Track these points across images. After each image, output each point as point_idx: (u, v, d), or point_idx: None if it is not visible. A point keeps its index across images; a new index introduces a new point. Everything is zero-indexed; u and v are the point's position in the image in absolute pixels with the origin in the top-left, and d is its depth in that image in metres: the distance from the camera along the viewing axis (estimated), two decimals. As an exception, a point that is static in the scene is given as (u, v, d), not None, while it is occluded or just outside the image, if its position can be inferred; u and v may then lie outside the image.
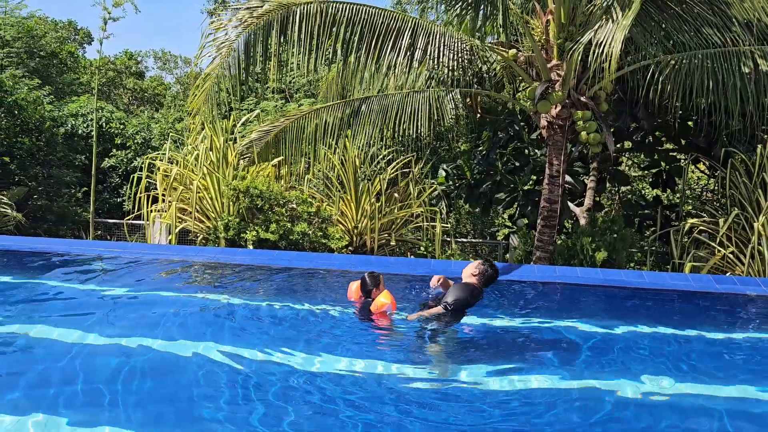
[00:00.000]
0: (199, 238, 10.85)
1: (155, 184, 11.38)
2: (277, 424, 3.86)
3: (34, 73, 18.37)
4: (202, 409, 4.08)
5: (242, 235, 9.84)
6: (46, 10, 56.06)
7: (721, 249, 9.11)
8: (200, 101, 10.24)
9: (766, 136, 9.69)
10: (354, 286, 5.93)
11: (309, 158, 10.50)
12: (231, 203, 10.13)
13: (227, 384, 4.51)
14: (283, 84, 16.75)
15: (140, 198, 11.23)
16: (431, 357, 4.97)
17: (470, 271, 5.66)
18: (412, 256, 11.53)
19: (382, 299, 5.58)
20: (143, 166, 11.46)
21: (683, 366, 5.07)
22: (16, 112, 14.24)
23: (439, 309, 5.38)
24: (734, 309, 7.02)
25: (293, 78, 16.89)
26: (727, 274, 9.20)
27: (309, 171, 11.91)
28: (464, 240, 14.49)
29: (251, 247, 9.73)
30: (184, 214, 10.94)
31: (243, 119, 12.76)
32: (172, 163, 11.48)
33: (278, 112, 13.94)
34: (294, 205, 10.22)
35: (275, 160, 10.66)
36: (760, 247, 8.77)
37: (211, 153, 10.90)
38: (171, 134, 14.71)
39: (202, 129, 11.09)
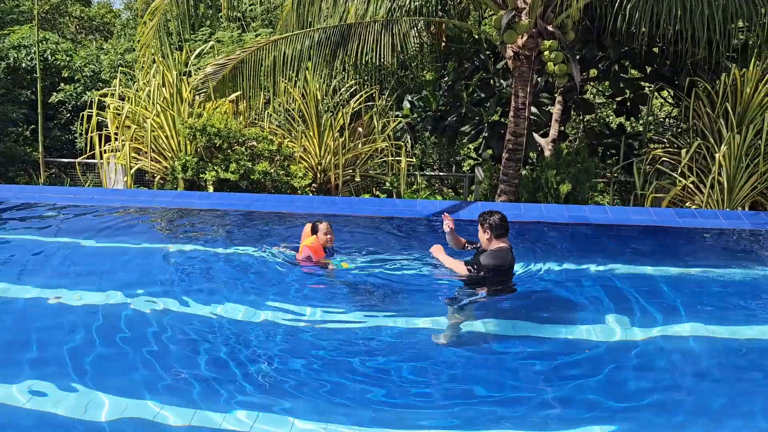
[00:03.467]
0: (156, 179, 10.49)
1: (107, 122, 10.85)
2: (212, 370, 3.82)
3: (-32, 1, 17.05)
4: (151, 362, 4.02)
5: (201, 175, 9.53)
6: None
7: (682, 179, 9.20)
8: (150, 36, 9.65)
9: (731, 64, 9.63)
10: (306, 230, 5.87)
11: (268, 92, 10.08)
12: (188, 142, 9.74)
13: (178, 334, 4.48)
14: (238, 12, 15.87)
15: (92, 137, 10.72)
16: (449, 323, 4.76)
17: (483, 238, 5.06)
18: (378, 192, 11.41)
19: (304, 244, 5.60)
20: (93, 102, 10.85)
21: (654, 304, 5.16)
22: (-50, 45, 13.27)
23: (462, 267, 5.02)
24: (697, 242, 7.15)
25: (250, 5, 16.01)
26: (687, 204, 9.35)
27: (269, 106, 11.47)
28: (430, 174, 14.37)
29: (211, 188, 9.45)
30: (139, 154, 10.51)
31: (197, 51, 12.11)
32: (123, 100, 10.91)
33: (235, 44, 13.25)
34: (254, 143, 9.89)
35: (233, 96, 10.21)
36: (720, 177, 8.87)
37: (164, 89, 10.37)
38: (121, 68, 13.93)
39: (154, 63, 10.49)
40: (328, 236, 5.76)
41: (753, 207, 9.16)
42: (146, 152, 9.97)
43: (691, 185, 9.20)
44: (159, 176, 10.44)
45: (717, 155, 8.86)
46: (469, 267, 5.01)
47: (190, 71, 11.67)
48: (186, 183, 9.70)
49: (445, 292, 5.20)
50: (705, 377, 4.10)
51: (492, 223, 4.95)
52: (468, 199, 12.44)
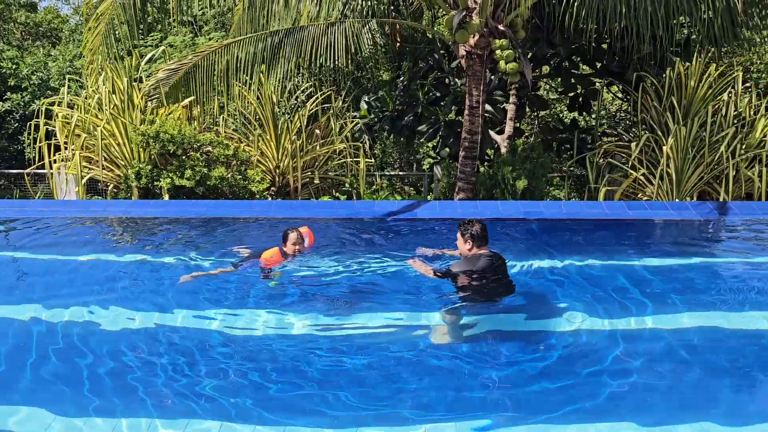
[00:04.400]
0: (109, 188, 10.26)
1: (57, 131, 10.55)
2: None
3: None
4: (111, 375, 3.95)
5: (156, 183, 9.36)
6: None
7: (633, 172, 9.45)
8: (97, 41, 9.44)
9: (675, 59, 9.92)
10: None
11: (223, 97, 9.97)
12: (141, 150, 9.56)
13: (128, 347, 4.40)
14: (189, 16, 15.63)
15: (41, 147, 10.41)
16: (442, 322, 4.81)
17: (463, 247, 5.10)
18: (338, 193, 11.39)
19: (263, 257, 5.68)
20: (41, 111, 10.54)
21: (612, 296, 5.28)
22: None
23: (430, 273, 5.12)
24: (647, 234, 7.36)
25: (201, 9, 15.79)
26: (639, 196, 9.61)
27: (224, 111, 11.34)
28: (390, 174, 14.42)
29: (167, 195, 9.29)
30: (91, 163, 10.26)
31: (148, 56, 11.87)
32: (72, 108, 10.63)
33: (187, 48, 13.05)
34: (210, 149, 9.77)
35: (186, 101, 10.06)
36: (668, 169, 9.14)
37: (114, 96, 10.14)
38: (70, 75, 13.57)
39: (103, 70, 10.25)
40: (296, 247, 5.82)
41: (701, 197, 9.46)
42: (98, 161, 9.74)
43: (641, 177, 9.46)
44: (112, 185, 10.21)
45: (665, 147, 9.13)
46: (437, 273, 5.11)
47: (141, 77, 11.45)
48: (140, 191, 9.52)
49: (414, 292, 5.25)
50: (653, 367, 4.21)
51: (474, 233, 5.02)
52: (428, 197, 12.53)
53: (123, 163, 9.99)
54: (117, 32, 9.46)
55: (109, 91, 10.11)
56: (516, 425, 3.50)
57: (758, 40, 9.33)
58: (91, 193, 10.88)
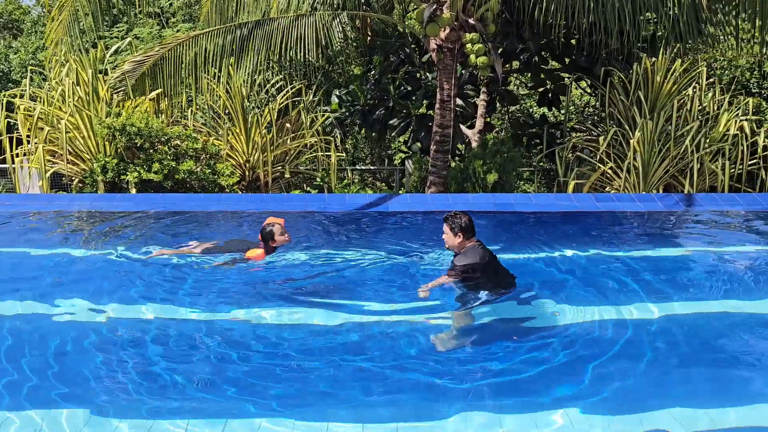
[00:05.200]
0: (74, 182, 10.02)
1: (19, 125, 10.25)
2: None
3: None
4: (76, 373, 3.86)
5: (123, 177, 9.17)
6: None
7: (601, 165, 9.58)
8: (60, 31, 9.19)
9: (642, 54, 10.09)
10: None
11: (190, 90, 9.81)
12: (107, 143, 9.35)
13: (100, 344, 4.31)
14: (156, 8, 15.34)
15: (2, 140, 10.11)
16: (453, 326, 4.73)
17: (453, 241, 5.05)
18: (309, 188, 11.32)
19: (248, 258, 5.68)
20: (2, 104, 10.23)
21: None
22: None
23: (444, 278, 4.99)
24: (615, 225, 7.47)
25: (169, 0, 15.50)
26: (607, 189, 9.76)
27: (192, 104, 11.16)
28: (362, 168, 14.38)
29: (134, 189, 9.11)
30: (55, 157, 10.01)
31: (114, 48, 11.61)
32: (35, 101, 10.34)
33: (154, 40, 12.81)
34: (178, 142, 9.60)
35: (153, 94, 9.87)
36: (635, 162, 9.30)
37: (78, 88, 9.90)
38: (32, 67, 13.20)
39: (67, 62, 9.99)
40: (285, 236, 5.73)
41: (666, 189, 9.65)
42: (62, 155, 9.51)
43: (609, 171, 9.60)
44: (77, 179, 9.97)
45: (632, 141, 9.28)
46: (450, 275, 5.00)
47: (106, 69, 11.20)
48: (106, 185, 9.31)
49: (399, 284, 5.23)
50: (620, 357, 4.28)
51: (463, 225, 4.99)
52: (400, 192, 12.53)
53: (88, 157, 9.76)
54: (81, 23, 9.23)
55: (73, 82, 9.86)
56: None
57: (722, 36, 9.53)
58: (55, 188, 10.60)
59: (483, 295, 4.86)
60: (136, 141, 9.14)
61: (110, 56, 11.43)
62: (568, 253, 6.14)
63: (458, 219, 5.00)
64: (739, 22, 9.27)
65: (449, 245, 5.11)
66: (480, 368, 4.08)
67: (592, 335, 4.50)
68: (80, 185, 9.93)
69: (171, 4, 15.68)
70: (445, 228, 5.06)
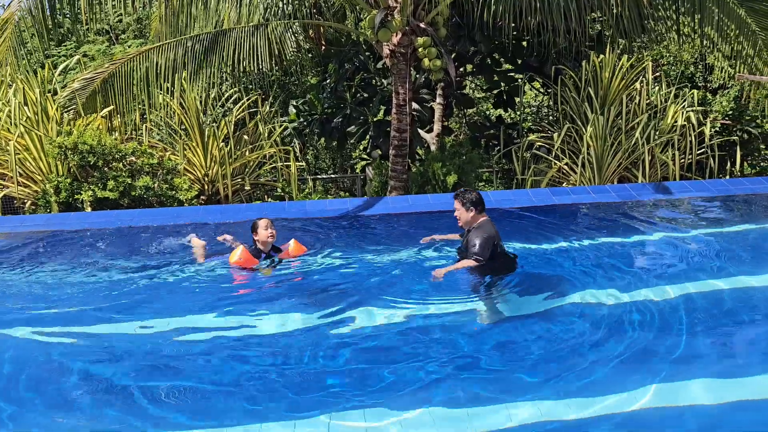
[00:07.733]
0: (27, 205, 9.74)
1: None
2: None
3: None
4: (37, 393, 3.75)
5: (77, 196, 8.96)
6: None
7: (557, 162, 9.78)
8: (3, 51, 8.97)
9: (590, 52, 10.35)
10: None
11: (144, 105, 9.67)
12: (59, 162, 9.13)
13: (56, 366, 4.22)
14: (105, 24, 15.11)
15: (-52, 166, 9.78)
16: (484, 307, 4.81)
17: (466, 216, 5.12)
18: (270, 199, 11.24)
19: (232, 262, 5.62)
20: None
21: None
22: None
23: (470, 262, 4.98)
24: (572, 217, 7.62)
25: (117, 17, 15.29)
26: (564, 184, 9.95)
27: (146, 119, 10.99)
28: (323, 177, 14.35)
29: (89, 208, 8.91)
30: (5, 180, 9.73)
31: (62, 66, 11.37)
32: (-19, 123, 10.04)
33: (105, 57, 12.60)
34: (133, 158, 9.44)
35: (105, 111, 9.70)
36: (589, 157, 9.51)
37: (26, 108, 9.66)
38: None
39: (13, 82, 9.74)
40: (269, 231, 5.60)
41: (621, 181, 9.89)
42: (12, 177, 9.25)
43: (565, 166, 9.80)
44: (30, 202, 9.71)
45: (585, 136, 9.50)
46: (475, 257, 4.97)
47: (55, 89, 10.96)
48: (60, 206, 9.08)
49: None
50: (596, 345, 4.37)
51: (474, 199, 5.10)
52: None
53: (40, 178, 9.51)
54: (27, 43, 9.04)
55: (20, 103, 9.62)
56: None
57: (664, 31, 9.86)
58: (6, 212, 10.30)
59: (496, 278, 5.00)
60: (89, 159, 8.96)
61: (58, 75, 11.19)
62: (532, 246, 6.24)
63: (468, 194, 5.12)
64: (680, 17, 9.61)
65: (463, 222, 5.18)
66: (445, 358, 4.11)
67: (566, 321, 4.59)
68: (33, 207, 9.67)
69: (120, 21, 15.47)
70: (457, 205, 5.14)
